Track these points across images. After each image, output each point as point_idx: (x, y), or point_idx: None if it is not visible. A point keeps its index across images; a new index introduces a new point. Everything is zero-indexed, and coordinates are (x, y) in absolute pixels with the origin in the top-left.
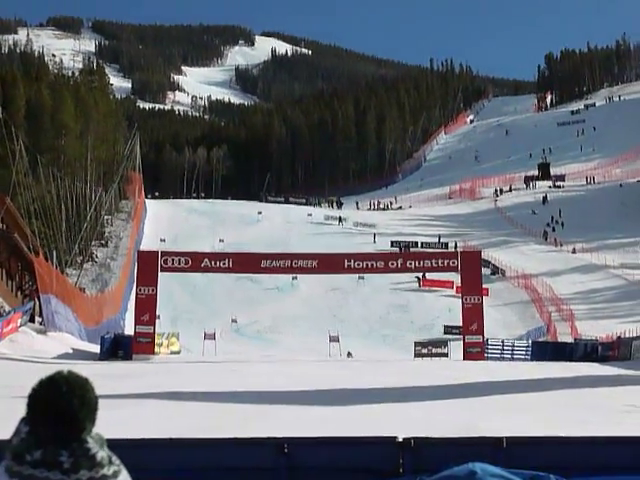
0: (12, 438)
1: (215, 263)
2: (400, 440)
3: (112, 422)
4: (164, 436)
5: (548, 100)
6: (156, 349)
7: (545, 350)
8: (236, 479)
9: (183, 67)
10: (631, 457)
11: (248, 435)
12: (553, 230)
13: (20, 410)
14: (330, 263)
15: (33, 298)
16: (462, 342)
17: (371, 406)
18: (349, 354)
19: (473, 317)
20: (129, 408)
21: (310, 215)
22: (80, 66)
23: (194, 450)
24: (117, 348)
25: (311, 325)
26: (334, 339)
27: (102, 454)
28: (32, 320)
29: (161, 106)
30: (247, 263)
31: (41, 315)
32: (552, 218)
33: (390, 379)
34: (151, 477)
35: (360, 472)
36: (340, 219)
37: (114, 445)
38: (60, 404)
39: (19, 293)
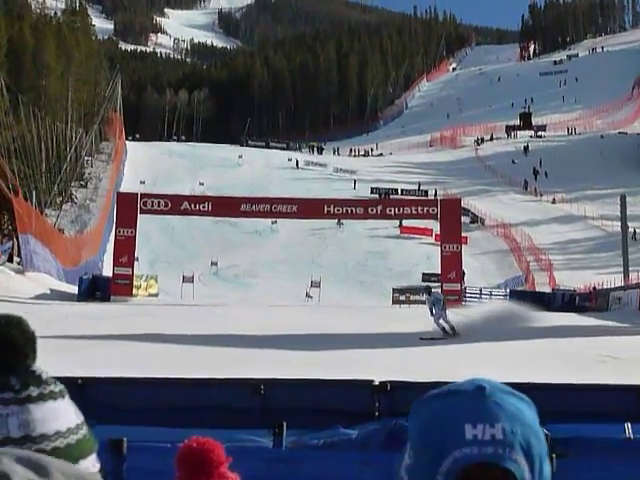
0: None
1: (195, 206)
2: (376, 384)
3: (88, 361)
4: (140, 376)
5: (531, 50)
6: (134, 291)
7: (523, 299)
8: (213, 418)
9: (166, 9)
10: (606, 404)
11: (225, 377)
12: (535, 179)
13: None
14: (310, 208)
15: (12, 238)
16: (440, 290)
17: (348, 351)
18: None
19: (452, 265)
20: (106, 348)
21: (290, 160)
22: (63, 6)
23: (170, 389)
24: (95, 289)
25: (290, 270)
26: (315, 284)
27: (47, 375)
28: (10, 260)
29: (143, 48)
30: (227, 207)
31: (19, 255)
32: (534, 168)
33: (368, 325)
34: (128, 415)
35: (336, 414)
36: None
37: (91, 383)
38: (1, 335)
39: None
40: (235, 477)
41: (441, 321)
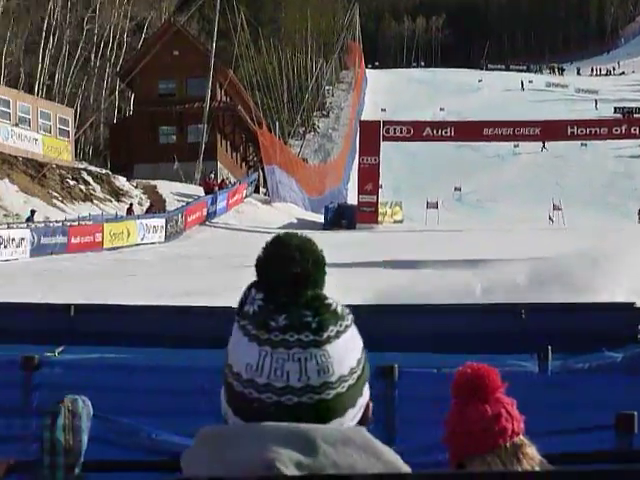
0: (243, 307)
1: (437, 132)
2: (638, 306)
3: (341, 289)
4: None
5: None
6: (379, 218)
7: None
8: (476, 343)
9: None
10: None
11: (485, 302)
12: None
13: (248, 279)
14: (552, 130)
15: (257, 169)
16: None
17: (607, 274)
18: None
19: None
20: (352, 275)
21: (531, 82)
22: None
23: (434, 316)
24: (341, 217)
25: (531, 193)
26: (557, 207)
27: (340, 306)
28: (257, 191)
29: None
30: (469, 131)
31: (265, 186)
32: None
33: (610, 245)
34: (394, 342)
35: (597, 338)
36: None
37: (358, 311)
38: (295, 265)
39: (244, 164)
40: (511, 402)
41: None
